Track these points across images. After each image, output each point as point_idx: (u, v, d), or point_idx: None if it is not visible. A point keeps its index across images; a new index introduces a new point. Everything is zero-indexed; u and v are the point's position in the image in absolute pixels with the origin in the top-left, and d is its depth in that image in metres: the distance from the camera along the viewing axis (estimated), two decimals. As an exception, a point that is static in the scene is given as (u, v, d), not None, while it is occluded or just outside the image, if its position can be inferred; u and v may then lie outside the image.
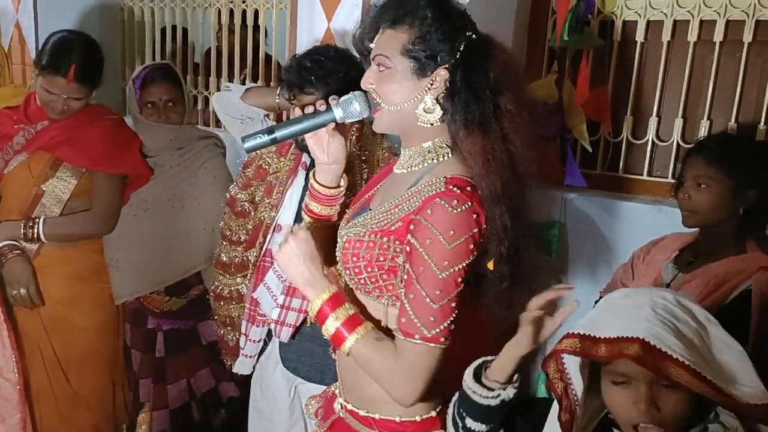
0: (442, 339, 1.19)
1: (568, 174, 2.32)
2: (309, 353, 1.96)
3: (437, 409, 1.33)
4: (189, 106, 2.54)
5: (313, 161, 1.91)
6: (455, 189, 1.18)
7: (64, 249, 2.30)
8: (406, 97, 1.24)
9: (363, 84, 1.30)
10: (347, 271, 1.29)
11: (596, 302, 1.99)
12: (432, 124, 1.25)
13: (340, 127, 1.37)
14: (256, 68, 3.13)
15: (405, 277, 1.21)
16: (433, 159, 1.27)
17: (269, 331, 2.04)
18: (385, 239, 1.23)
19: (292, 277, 1.31)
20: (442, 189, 1.19)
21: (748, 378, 1.09)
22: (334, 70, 1.81)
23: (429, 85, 1.23)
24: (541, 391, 2.47)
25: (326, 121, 1.32)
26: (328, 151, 1.37)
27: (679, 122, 2.30)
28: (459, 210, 1.17)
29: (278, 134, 1.33)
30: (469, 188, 1.20)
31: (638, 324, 1.09)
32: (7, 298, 2.25)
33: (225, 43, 3.18)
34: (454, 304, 1.19)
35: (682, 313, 1.12)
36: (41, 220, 2.23)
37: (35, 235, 2.22)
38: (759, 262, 1.71)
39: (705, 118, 2.25)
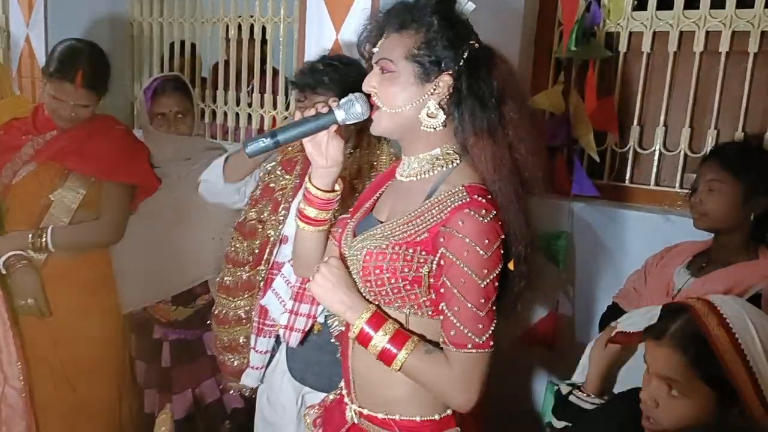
0: (491, 343, 1.22)
1: (576, 184, 2.32)
2: (316, 362, 1.95)
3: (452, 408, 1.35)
4: (197, 118, 2.56)
5: None
6: (481, 198, 1.21)
7: (72, 259, 2.31)
8: (408, 101, 1.25)
9: (365, 86, 1.31)
10: (368, 284, 1.29)
11: (608, 307, 2.01)
12: (435, 129, 1.26)
13: (339, 130, 1.37)
14: (263, 81, 3.15)
15: (442, 291, 1.22)
16: (442, 166, 1.29)
17: (276, 342, 2.04)
18: (410, 250, 1.24)
19: (330, 304, 1.32)
20: (467, 199, 1.21)
21: None
22: (347, 74, 1.84)
23: (432, 90, 1.25)
24: (548, 401, 2.45)
25: (328, 122, 1.33)
26: (326, 154, 1.36)
27: (686, 132, 2.30)
28: (488, 219, 1.20)
29: (281, 137, 1.32)
30: (489, 196, 1.23)
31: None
32: (14, 307, 2.24)
33: (233, 56, 3.21)
34: (494, 308, 1.22)
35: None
36: (50, 229, 2.23)
37: (44, 245, 2.22)
38: (768, 268, 1.72)
39: (712, 127, 2.25)
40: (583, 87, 2.35)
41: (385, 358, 1.25)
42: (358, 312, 1.28)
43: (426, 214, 1.25)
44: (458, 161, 1.29)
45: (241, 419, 2.49)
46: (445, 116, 1.25)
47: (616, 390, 1.68)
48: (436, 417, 1.33)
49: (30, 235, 2.22)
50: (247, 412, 2.29)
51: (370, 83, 1.29)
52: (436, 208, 1.24)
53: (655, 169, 2.38)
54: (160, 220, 2.40)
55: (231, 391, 2.20)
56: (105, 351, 2.39)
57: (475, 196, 1.21)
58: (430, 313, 1.27)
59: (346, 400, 1.44)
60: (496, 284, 1.22)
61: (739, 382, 1.16)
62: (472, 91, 1.23)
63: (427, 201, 1.26)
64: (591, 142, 2.35)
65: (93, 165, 2.28)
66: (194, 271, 2.41)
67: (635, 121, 2.39)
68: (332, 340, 1.87)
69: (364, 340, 1.27)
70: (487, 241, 1.19)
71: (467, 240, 1.19)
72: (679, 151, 2.32)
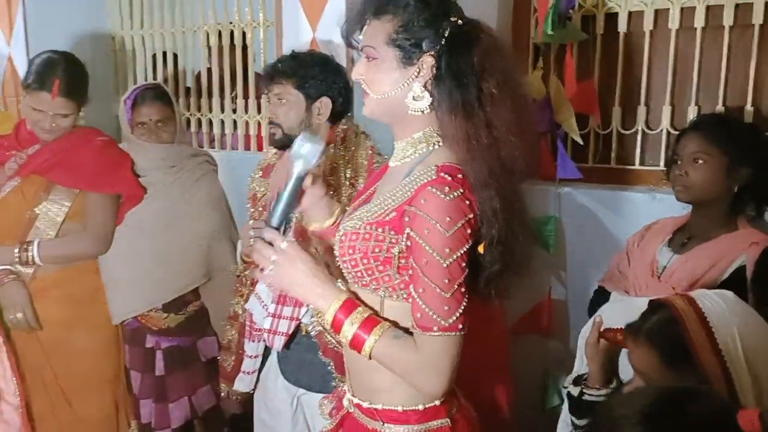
0: (460, 326, 1.18)
1: (560, 168, 2.31)
2: (309, 363, 1.94)
3: (442, 398, 1.31)
4: (181, 126, 2.56)
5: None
6: (446, 176, 1.19)
7: (61, 271, 2.30)
8: (394, 86, 1.25)
9: (354, 76, 1.31)
10: (344, 265, 1.29)
11: (595, 291, 2.01)
12: (422, 112, 1.25)
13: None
14: (246, 87, 3.15)
15: (410, 272, 1.20)
16: (424, 149, 1.27)
17: (267, 347, 2.04)
18: (379, 230, 1.23)
19: (301, 296, 1.29)
20: (434, 177, 1.19)
21: None
22: (304, 61, 1.89)
23: (416, 73, 1.23)
24: (552, 398, 2.45)
25: (298, 180, 1.33)
26: (312, 199, 1.39)
27: (667, 110, 2.30)
28: (451, 197, 1.17)
29: (273, 221, 1.31)
30: (459, 175, 1.20)
31: None
32: (5, 321, 2.23)
33: (215, 64, 3.21)
34: (463, 290, 1.19)
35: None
36: (36, 242, 2.22)
37: (30, 259, 2.22)
38: (750, 238, 1.72)
39: (693, 103, 2.25)
40: (562, 71, 2.35)
41: (356, 345, 1.23)
42: (329, 301, 1.25)
43: (397, 194, 1.24)
44: (439, 143, 1.27)
45: (240, 425, 2.48)
46: (431, 98, 1.24)
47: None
48: (420, 407, 1.29)
49: (16, 250, 2.22)
50: (246, 418, 2.27)
51: (358, 71, 1.29)
52: (407, 187, 1.23)
53: (638, 149, 2.37)
54: (147, 228, 2.38)
55: (222, 394, 2.20)
56: (99, 362, 2.37)
57: (442, 174, 1.19)
58: (404, 296, 1.25)
59: (345, 388, 1.43)
60: (463, 264, 1.18)
61: (714, 384, 1.10)
62: (450, 69, 1.21)
63: (402, 181, 1.25)
64: (573, 125, 2.34)
65: (76, 177, 2.27)
66: (184, 279, 2.40)
67: (616, 102, 2.39)
68: (313, 339, 1.87)
69: (336, 328, 1.25)
70: (448, 219, 1.16)
71: (428, 218, 1.16)
72: (662, 129, 2.32)
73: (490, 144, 1.21)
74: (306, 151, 1.30)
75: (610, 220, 2.33)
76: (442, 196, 1.16)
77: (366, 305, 1.28)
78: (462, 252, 1.18)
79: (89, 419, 2.38)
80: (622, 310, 1.62)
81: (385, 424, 1.30)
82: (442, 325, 1.17)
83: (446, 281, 1.17)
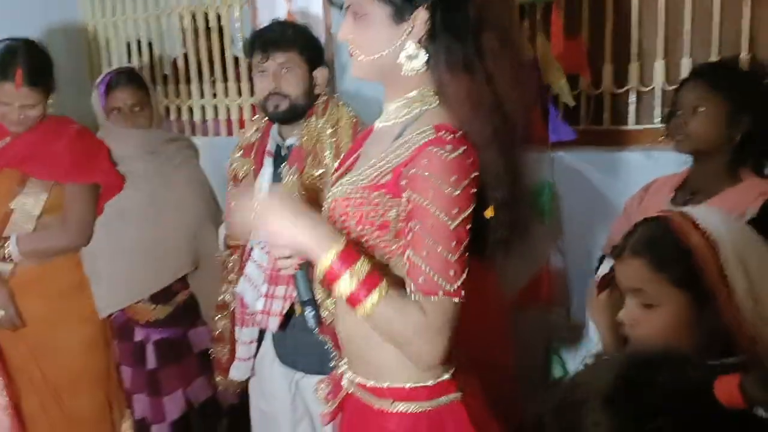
0: (462, 293, 1.12)
1: (553, 131, 2.23)
2: (305, 344, 1.88)
3: (451, 372, 1.24)
4: (157, 110, 2.48)
5: (278, 148, 1.91)
6: (447, 135, 1.12)
7: (41, 266, 2.24)
8: (385, 45, 1.18)
9: (340, 37, 1.23)
10: None
11: (599, 261, 1.93)
12: (417, 71, 1.18)
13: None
14: (225, 71, 3.06)
15: (410, 236, 1.13)
16: (418, 108, 1.20)
17: (261, 332, 1.99)
18: (374, 194, 1.17)
19: (290, 241, 1.16)
20: (433, 137, 1.12)
21: None
22: (302, 31, 1.92)
23: (409, 30, 1.16)
24: (555, 369, 2.40)
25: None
26: None
27: (660, 64, 2.22)
28: (454, 155, 1.10)
29: (306, 297, 1.33)
30: (459, 134, 1.14)
31: None
32: (-12, 321, 2.18)
33: (191, 49, 3.12)
34: (466, 254, 1.13)
35: None
36: (13, 237, 2.17)
37: (8, 255, 2.16)
38: (756, 189, 1.66)
39: (687, 56, 2.17)
40: (549, 31, 2.27)
41: (353, 301, 1.12)
42: (325, 246, 1.12)
43: (390, 155, 1.17)
44: (435, 103, 1.20)
45: (238, 415, 2.42)
46: (427, 56, 1.17)
47: None
48: (430, 383, 1.22)
49: (-7, 246, 2.16)
50: (243, 408, 2.22)
51: (344, 32, 1.22)
52: (402, 148, 1.15)
53: (633, 108, 2.29)
54: (128, 218, 2.31)
55: (220, 388, 2.15)
56: (87, 358, 2.32)
57: (441, 133, 1.12)
58: (401, 263, 1.18)
59: (343, 367, 1.37)
60: (468, 227, 1.12)
61: (708, 275, 1.07)
62: (447, 23, 1.14)
63: (394, 142, 1.18)
64: (564, 87, 2.25)
65: (51, 168, 2.20)
66: (170, 268, 2.33)
67: (607, 60, 2.31)
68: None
69: (331, 278, 1.13)
70: (454, 177, 1.09)
71: (432, 178, 1.09)
72: (656, 86, 2.24)
73: (493, 101, 1.15)
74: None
75: (606, 183, 2.26)
76: (445, 154, 1.10)
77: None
78: (468, 213, 1.12)
79: (81, 417, 2.34)
80: None
81: (394, 402, 1.23)
82: (447, 289, 1.10)
83: (453, 244, 1.10)
